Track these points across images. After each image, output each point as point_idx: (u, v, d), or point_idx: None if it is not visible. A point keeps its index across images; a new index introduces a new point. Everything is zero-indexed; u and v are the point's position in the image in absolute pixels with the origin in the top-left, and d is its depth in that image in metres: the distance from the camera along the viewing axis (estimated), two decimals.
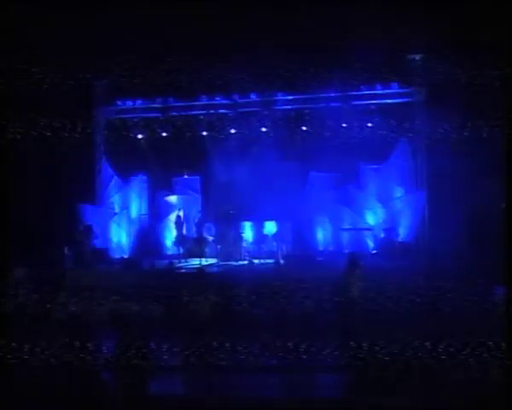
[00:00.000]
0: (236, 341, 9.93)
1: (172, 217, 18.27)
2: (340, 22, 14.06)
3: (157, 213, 19.08)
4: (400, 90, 17.23)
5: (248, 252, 16.94)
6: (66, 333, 10.54)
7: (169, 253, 18.22)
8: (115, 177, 18.94)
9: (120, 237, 18.25)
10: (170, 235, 18.39)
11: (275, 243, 16.96)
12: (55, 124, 15.57)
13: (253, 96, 17.93)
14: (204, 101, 18.10)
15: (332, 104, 17.42)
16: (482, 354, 8.83)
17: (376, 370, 8.94)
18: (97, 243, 17.46)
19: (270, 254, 16.71)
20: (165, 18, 13.77)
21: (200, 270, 14.54)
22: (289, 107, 17.84)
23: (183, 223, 17.79)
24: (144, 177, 18.98)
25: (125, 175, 18.96)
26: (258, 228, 17.47)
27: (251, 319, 11.98)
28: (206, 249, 17.30)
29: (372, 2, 12.92)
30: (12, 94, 13.74)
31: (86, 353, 9.80)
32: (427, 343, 9.31)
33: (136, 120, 18.53)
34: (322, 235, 17.45)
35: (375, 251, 16.52)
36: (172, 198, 19.00)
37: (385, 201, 17.08)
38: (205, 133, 18.14)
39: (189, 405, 8.30)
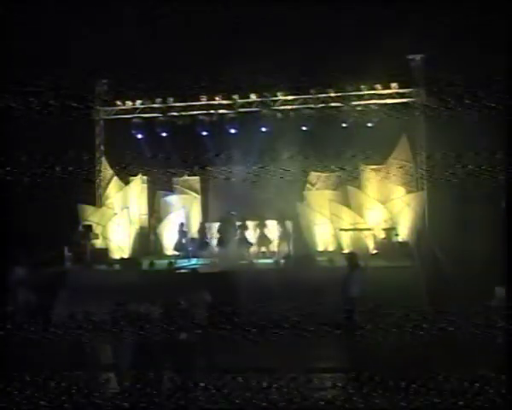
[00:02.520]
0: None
1: (173, 218, 18.20)
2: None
3: (157, 213, 19.07)
4: (400, 91, 17.20)
5: (249, 252, 16.84)
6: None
7: (168, 253, 18.17)
8: (115, 177, 18.93)
9: (120, 237, 18.20)
10: (170, 236, 18.29)
11: (275, 243, 16.96)
12: (55, 124, 15.59)
13: (252, 96, 17.93)
14: (203, 101, 18.11)
15: (331, 104, 17.48)
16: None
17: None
18: (97, 243, 17.47)
19: (271, 254, 16.69)
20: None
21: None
22: (289, 107, 17.87)
23: (185, 230, 17.69)
24: (144, 177, 18.98)
25: (125, 175, 18.94)
26: (259, 228, 17.36)
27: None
28: (207, 250, 17.25)
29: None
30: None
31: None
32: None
33: (135, 119, 18.52)
34: (321, 235, 17.43)
35: (375, 251, 16.47)
36: (172, 198, 18.96)
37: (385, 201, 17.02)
38: (205, 133, 18.13)
39: None
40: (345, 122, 17.02)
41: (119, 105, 18.64)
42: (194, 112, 18.14)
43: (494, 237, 11.34)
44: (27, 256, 14.05)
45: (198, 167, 18.14)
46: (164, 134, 18.20)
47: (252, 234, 17.06)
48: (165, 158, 17.16)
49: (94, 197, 18.76)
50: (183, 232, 17.61)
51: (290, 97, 17.65)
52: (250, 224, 17.18)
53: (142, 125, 18.30)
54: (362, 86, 17.05)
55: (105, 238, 17.92)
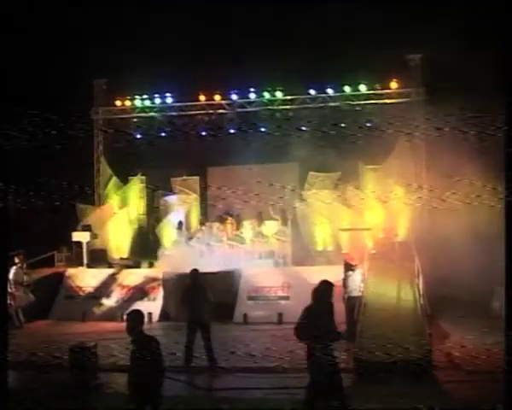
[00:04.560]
0: None
1: (172, 219, 18.15)
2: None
3: (156, 213, 19.04)
4: (400, 90, 17.23)
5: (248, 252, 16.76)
6: None
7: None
8: (114, 177, 18.92)
9: (119, 237, 18.17)
10: (169, 236, 18.24)
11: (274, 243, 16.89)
12: (53, 123, 15.55)
13: (254, 95, 17.97)
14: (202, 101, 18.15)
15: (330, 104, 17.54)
16: None
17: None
18: (96, 243, 17.44)
19: (270, 254, 16.62)
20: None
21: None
22: (287, 107, 17.90)
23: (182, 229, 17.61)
24: (143, 177, 18.96)
25: (124, 175, 18.93)
26: (258, 227, 17.32)
27: None
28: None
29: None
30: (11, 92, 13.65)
31: None
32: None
33: (135, 119, 18.54)
34: (320, 235, 17.40)
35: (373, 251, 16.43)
36: (171, 198, 18.92)
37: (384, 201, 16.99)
38: (204, 133, 18.15)
39: None
40: None
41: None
42: None
43: None
44: None
45: None
46: None
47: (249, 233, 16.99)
48: None
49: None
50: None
51: None
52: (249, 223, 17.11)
53: None
54: None
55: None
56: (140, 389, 5.90)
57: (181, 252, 16.61)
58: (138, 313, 6.37)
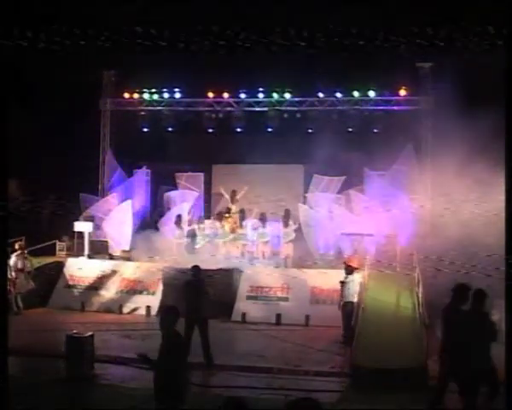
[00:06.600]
0: None
1: (175, 213, 18.13)
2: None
3: (159, 206, 19.02)
4: (409, 98, 17.21)
5: (248, 252, 16.74)
6: None
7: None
8: (119, 169, 18.92)
9: (121, 229, 18.14)
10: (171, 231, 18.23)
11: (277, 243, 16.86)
12: (60, 114, 15.64)
13: (262, 95, 17.97)
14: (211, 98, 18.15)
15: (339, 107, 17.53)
16: None
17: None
18: (98, 234, 17.43)
19: (272, 255, 16.59)
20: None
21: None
22: (296, 108, 17.89)
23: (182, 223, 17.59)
24: (148, 170, 18.95)
25: (129, 167, 18.93)
26: (261, 227, 17.31)
27: None
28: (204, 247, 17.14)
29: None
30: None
31: None
32: None
33: (142, 113, 18.55)
34: (322, 238, 17.35)
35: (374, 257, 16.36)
36: (174, 193, 18.90)
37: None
38: (210, 130, 18.15)
39: None
40: None
41: None
42: None
43: None
44: None
45: None
46: None
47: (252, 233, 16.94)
48: None
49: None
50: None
51: None
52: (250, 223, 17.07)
53: None
54: None
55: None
56: (167, 385, 5.76)
57: (180, 247, 16.70)
58: (175, 310, 6.22)
